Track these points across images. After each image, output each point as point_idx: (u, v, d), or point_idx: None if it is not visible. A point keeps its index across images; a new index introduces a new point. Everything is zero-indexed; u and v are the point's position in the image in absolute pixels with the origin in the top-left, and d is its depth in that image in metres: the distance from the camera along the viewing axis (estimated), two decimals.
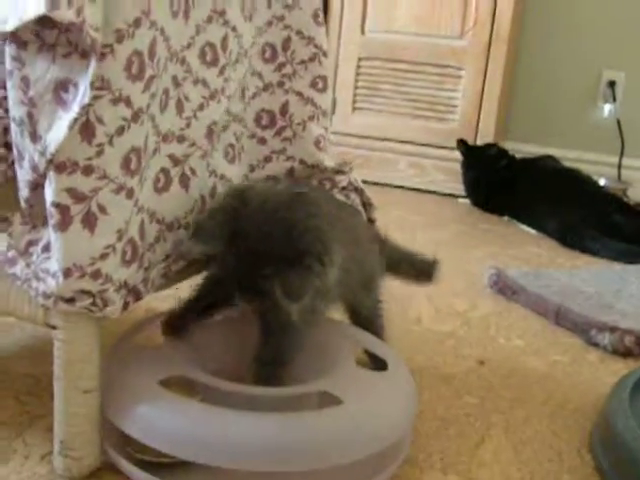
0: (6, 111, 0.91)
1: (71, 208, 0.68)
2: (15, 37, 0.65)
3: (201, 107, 0.82)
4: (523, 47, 2.72)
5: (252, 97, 0.96)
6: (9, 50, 0.66)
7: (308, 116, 1.01)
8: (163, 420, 0.73)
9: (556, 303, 1.41)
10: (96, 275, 0.70)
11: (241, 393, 0.78)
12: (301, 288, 0.73)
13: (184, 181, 0.82)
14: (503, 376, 1.14)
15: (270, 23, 0.95)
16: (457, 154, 2.42)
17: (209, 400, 0.77)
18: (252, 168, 0.99)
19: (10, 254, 0.78)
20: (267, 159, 1.00)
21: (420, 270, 1.13)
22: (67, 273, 0.69)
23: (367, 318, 1.04)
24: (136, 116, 0.69)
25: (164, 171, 0.79)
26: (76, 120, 0.65)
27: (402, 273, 1.11)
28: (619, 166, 2.68)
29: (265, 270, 0.75)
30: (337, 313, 1.03)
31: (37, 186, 0.70)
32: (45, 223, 0.73)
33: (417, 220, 2.17)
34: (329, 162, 1.05)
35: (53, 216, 0.68)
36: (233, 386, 0.79)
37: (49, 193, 0.68)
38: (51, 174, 0.67)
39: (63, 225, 0.68)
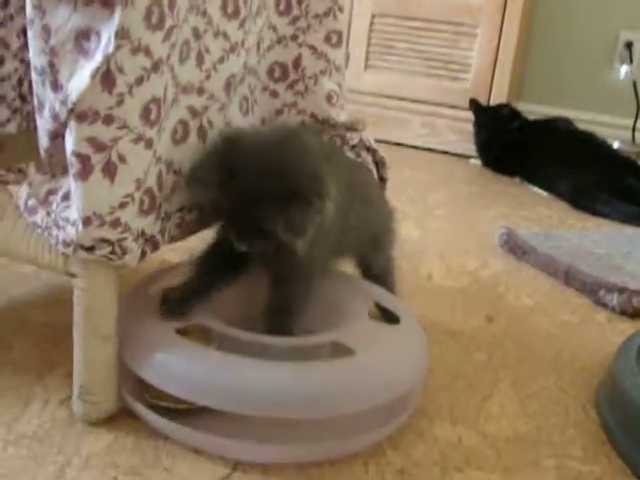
0: (21, 62, 0.93)
1: (92, 157, 0.68)
2: None
3: (221, 60, 0.82)
4: (540, 6, 2.67)
5: (267, 50, 0.96)
6: None
7: (320, 70, 1.00)
8: (180, 367, 0.75)
9: (566, 263, 1.42)
10: (115, 224, 0.71)
11: (257, 342, 0.80)
12: (303, 222, 0.74)
13: (202, 133, 0.83)
14: (512, 334, 1.15)
15: None
16: (470, 114, 2.40)
17: (224, 348, 0.79)
18: (264, 121, 0.99)
19: (30, 203, 0.80)
20: (279, 112, 1.00)
21: None
22: (87, 221, 0.70)
23: (379, 275, 1.05)
24: (156, 66, 0.69)
25: (182, 122, 0.79)
26: (98, 69, 0.65)
27: None
28: (634, 129, 2.65)
29: (264, 209, 0.75)
30: (349, 268, 1.04)
31: (57, 135, 0.71)
32: (65, 172, 0.73)
33: (428, 180, 2.17)
34: (340, 118, 1.04)
35: (73, 165, 0.69)
36: (249, 335, 0.80)
37: (70, 142, 0.68)
38: (72, 123, 0.67)
39: (84, 174, 0.69)
